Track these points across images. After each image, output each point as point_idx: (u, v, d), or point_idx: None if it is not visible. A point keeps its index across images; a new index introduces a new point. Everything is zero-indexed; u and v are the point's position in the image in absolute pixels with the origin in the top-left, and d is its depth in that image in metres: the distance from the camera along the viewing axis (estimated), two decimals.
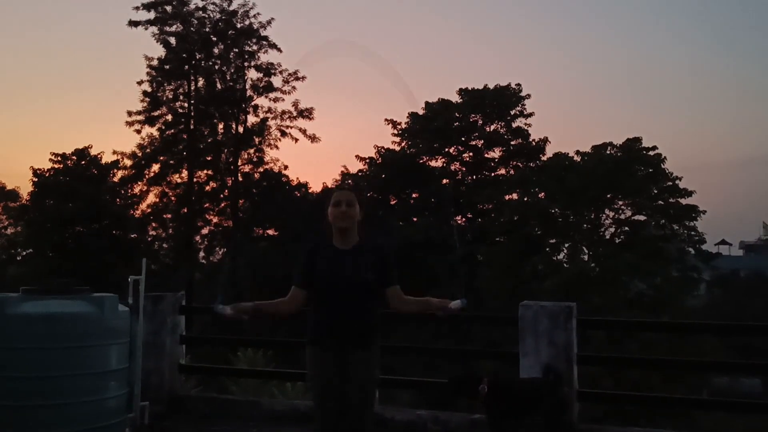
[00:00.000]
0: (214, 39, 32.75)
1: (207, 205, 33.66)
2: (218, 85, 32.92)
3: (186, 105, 32.80)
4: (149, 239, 34.00)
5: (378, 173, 33.54)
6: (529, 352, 5.03)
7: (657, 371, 17.56)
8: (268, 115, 33.25)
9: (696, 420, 15.76)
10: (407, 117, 34.23)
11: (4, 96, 63.46)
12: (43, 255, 30.35)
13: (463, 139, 33.78)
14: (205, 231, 33.91)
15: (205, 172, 33.38)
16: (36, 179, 30.62)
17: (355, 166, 34.76)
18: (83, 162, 31.45)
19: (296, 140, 33.31)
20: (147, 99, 32.23)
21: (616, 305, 22.69)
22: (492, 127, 33.87)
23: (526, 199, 29.32)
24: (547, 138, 33.08)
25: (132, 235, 32.39)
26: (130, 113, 32.03)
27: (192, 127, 32.77)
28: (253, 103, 33.17)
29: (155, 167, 32.90)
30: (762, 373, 19.17)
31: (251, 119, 33.43)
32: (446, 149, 33.95)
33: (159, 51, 32.39)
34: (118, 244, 30.08)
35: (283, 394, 9.39)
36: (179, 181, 33.26)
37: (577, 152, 28.62)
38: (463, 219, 33.61)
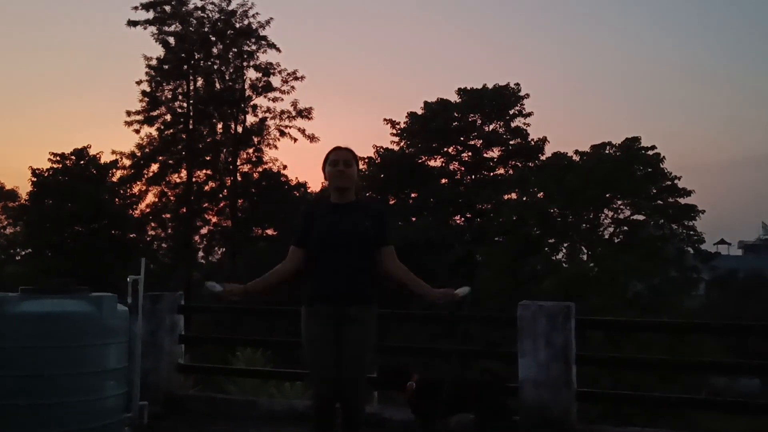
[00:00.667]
0: (213, 39, 32.75)
1: (206, 204, 33.63)
2: (217, 85, 32.91)
3: (185, 105, 32.78)
4: (148, 239, 33.98)
5: (377, 173, 33.54)
6: (527, 352, 5.01)
7: (656, 371, 17.53)
8: (267, 114, 33.32)
9: (694, 420, 15.76)
10: (406, 117, 34.28)
11: (4, 96, 63.51)
12: (42, 254, 30.37)
13: (461, 138, 33.75)
14: (204, 231, 33.98)
15: (204, 171, 33.36)
16: (35, 179, 30.63)
17: None
18: (82, 162, 31.45)
19: (295, 140, 33.37)
20: (146, 99, 32.24)
21: (615, 305, 22.69)
22: (491, 127, 33.85)
23: (524, 198, 29.33)
24: (545, 138, 33.11)
25: (131, 235, 32.38)
26: (128, 113, 32.09)
27: (191, 126, 32.76)
28: (252, 103, 33.25)
29: (154, 167, 32.88)
30: (761, 373, 19.14)
31: (250, 119, 33.52)
32: (445, 149, 33.92)
33: (158, 51, 32.47)
34: (117, 243, 30.09)
35: (282, 393, 9.40)
36: (178, 180, 33.28)
37: (576, 152, 28.70)
38: (462, 219, 33.62)
